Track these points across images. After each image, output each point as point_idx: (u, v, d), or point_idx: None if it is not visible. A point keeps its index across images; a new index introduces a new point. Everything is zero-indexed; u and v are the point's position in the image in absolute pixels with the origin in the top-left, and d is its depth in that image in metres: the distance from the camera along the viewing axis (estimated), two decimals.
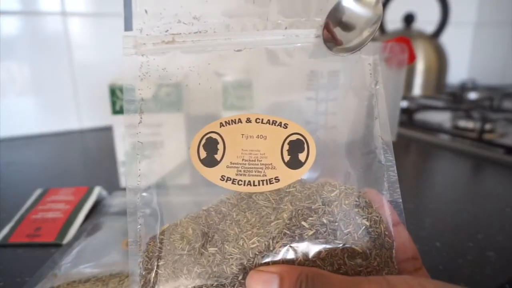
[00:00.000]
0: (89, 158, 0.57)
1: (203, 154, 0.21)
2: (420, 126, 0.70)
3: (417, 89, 0.78)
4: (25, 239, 0.32)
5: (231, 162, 0.21)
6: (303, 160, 0.20)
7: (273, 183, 0.20)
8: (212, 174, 0.21)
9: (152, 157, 0.29)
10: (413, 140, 0.66)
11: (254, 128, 0.21)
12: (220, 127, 0.22)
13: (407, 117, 0.74)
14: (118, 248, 0.28)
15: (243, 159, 0.20)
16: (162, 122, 0.43)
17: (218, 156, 0.21)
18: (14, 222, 0.35)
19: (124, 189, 0.43)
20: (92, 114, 0.72)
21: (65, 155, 0.58)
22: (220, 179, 0.20)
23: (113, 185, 0.44)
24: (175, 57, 0.23)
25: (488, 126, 0.64)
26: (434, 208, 0.39)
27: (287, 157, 0.20)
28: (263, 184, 0.20)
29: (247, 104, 0.45)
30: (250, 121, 0.21)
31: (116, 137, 0.43)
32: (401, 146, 0.63)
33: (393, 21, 0.86)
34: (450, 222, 0.36)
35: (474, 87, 1.00)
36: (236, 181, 0.20)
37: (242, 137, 0.21)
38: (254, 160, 0.20)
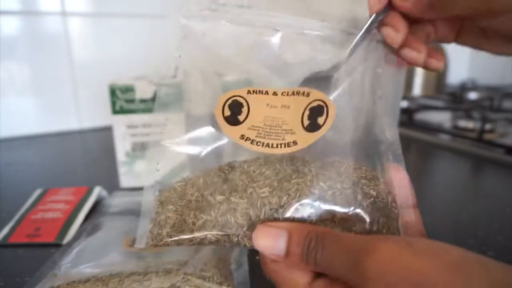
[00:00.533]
0: (89, 158, 0.57)
1: (227, 112, 0.22)
2: (420, 126, 0.70)
3: (417, 89, 0.78)
4: (25, 239, 0.32)
5: (253, 125, 0.21)
6: (321, 123, 0.20)
7: (291, 146, 0.20)
8: (233, 132, 0.21)
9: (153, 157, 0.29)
10: (413, 140, 0.66)
11: (279, 100, 0.22)
12: (247, 93, 0.23)
13: (407, 117, 0.74)
14: (118, 248, 0.27)
15: (264, 124, 0.21)
16: (163, 122, 0.43)
17: (241, 118, 0.22)
18: (14, 222, 0.35)
19: (124, 189, 0.43)
20: (92, 114, 0.72)
21: (65, 155, 0.58)
22: (240, 138, 0.21)
23: (113, 185, 0.44)
24: (215, 25, 0.23)
25: (488, 126, 0.64)
26: (434, 208, 0.39)
27: (306, 122, 0.21)
28: (281, 147, 0.20)
29: None
30: (276, 94, 0.22)
31: (116, 137, 0.43)
32: (401, 146, 0.63)
33: None
34: (450, 222, 0.36)
35: (474, 87, 1.00)
36: (255, 141, 0.21)
37: (267, 106, 0.22)
38: (275, 126, 0.21)
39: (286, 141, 0.20)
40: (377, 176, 0.21)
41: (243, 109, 0.22)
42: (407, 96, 0.78)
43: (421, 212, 0.37)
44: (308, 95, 0.22)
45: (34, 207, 0.37)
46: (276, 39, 0.25)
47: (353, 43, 0.24)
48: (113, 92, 0.41)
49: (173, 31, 0.81)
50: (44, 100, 0.68)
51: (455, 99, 0.88)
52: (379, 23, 0.24)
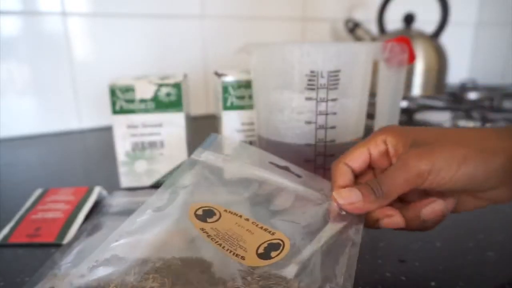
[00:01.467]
0: (89, 158, 0.57)
1: (200, 212, 0.25)
2: (420, 126, 0.70)
3: (417, 89, 0.78)
4: (25, 239, 0.32)
5: (216, 228, 0.24)
6: (273, 256, 0.23)
7: (238, 257, 0.22)
8: (197, 223, 0.24)
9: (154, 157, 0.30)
10: None
11: (248, 225, 0.25)
12: (224, 211, 0.26)
13: (407, 117, 0.74)
14: None
15: (226, 233, 0.24)
16: (163, 122, 0.43)
17: (210, 220, 0.25)
18: (14, 222, 0.35)
19: (124, 189, 0.43)
20: (92, 114, 0.72)
21: (65, 155, 0.58)
22: (200, 229, 0.24)
23: (113, 185, 0.44)
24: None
25: (488, 126, 0.64)
26: None
27: (261, 250, 0.23)
28: (229, 253, 0.22)
29: (247, 104, 0.45)
30: (247, 220, 0.25)
31: (116, 137, 0.43)
32: None
33: (393, 21, 0.86)
34: (450, 222, 0.36)
35: (474, 87, 1.00)
36: (211, 237, 0.23)
37: (235, 224, 0.25)
38: (235, 239, 0.24)
39: (236, 252, 0.23)
40: None
41: (214, 217, 0.25)
42: (407, 96, 0.78)
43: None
44: (273, 234, 0.24)
45: (34, 207, 0.37)
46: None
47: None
48: (113, 92, 0.41)
49: (173, 31, 0.81)
50: (44, 100, 0.68)
51: (455, 99, 0.88)
52: (371, 220, 0.27)
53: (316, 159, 0.35)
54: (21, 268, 0.29)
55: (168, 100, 0.43)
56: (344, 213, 0.26)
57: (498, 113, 0.75)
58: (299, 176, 0.30)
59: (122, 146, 0.43)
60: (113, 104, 0.42)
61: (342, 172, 0.28)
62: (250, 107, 0.45)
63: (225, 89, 0.44)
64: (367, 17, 0.93)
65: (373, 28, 0.88)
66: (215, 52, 0.81)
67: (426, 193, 0.27)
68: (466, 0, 1.15)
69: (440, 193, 0.27)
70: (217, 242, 0.23)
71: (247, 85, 0.44)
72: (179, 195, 0.27)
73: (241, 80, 0.44)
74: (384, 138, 0.27)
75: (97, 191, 0.40)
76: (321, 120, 0.34)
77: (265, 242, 0.23)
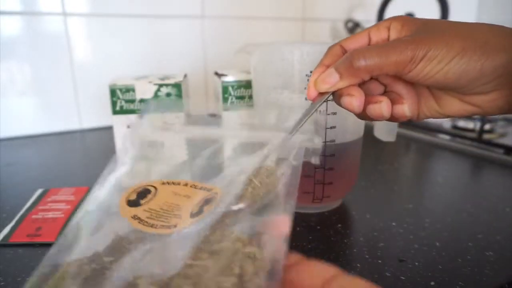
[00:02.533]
0: (89, 158, 0.57)
1: (133, 197, 0.25)
2: (420, 126, 0.70)
3: None
4: (25, 239, 0.32)
5: (149, 208, 0.24)
6: (205, 210, 0.22)
7: (170, 228, 0.22)
8: (128, 212, 0.23)
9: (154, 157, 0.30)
10: (413, 140, 0.66)
11: (186, 190, 0.25)
12: (161, 184, 0.26)
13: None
14: None
15: (161, 208, 0.23)
16: (163, 122, 0.43)
17: (142, 201, 0.24)
18: (14, 222, 0.35)
19: (124, 189, 0.43)
20: (92, 114, 0.72)
21: (65, 155, 0.58)
22: (131, 217, 0.23)
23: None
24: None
25: (487, 126, 0.64)
26: (434, 208, 0.39)
27: (195, 209, 0.23)
28: (162, 228, 0.22)
29: (247, 104, 0.45)
30: (186, 185, 0.25)
31: (116, 137, 0.43)
32: (401, 146, 0.63)
33: None
34: (450, 222, 0.36)
35: None
36: (142, 221, 0.23)
37: (173, 193, 0.25)
38: (169, 210, 0.23)
39: (169, 224, 0.22)
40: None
41: (148, 195, 0.25)
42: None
43: (420, 212, 0.37)
44: (210, 190, 0.24)
45: (35, 207, 0.38)
46: None
47: (294, 131, 0.27)
48: (113, 92, 0.41)
49: (173, 31, 0.81)
50: (44, 100, 0.68)
51: None
52: (337, 93, 0.26)
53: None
54: (22, 267, 0.29)
55: (169, 100, 0.43)
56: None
57: None
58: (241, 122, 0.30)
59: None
60: (113, 104, 0.42)
61: (333, 52, 0.27)
62: (250, 107, 0.45)
63: (225, 89, 0.44)
64: (367, 17, 0.93)
65: None
66: (215, 52, 0.81)
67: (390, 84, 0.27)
68: (466, 0, 1.15)
69: (415, 89, 0.27)
70: (148, 224, 0.22)
71: (247, 85, 0.44)
72: (112, 183, 0.26)
73: (241, 80, 0.44)
74: (388, 24, 0.26)
75: None
76: (321, 120, 0.34)
77: (200, 200, 0.23)
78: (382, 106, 0.26)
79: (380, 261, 0.30)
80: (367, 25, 0.88)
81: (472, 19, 1.18)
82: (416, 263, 0.29)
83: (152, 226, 0.22)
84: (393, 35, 0.26)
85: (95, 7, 0.68)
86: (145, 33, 0.73)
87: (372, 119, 0.27)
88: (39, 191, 0.41)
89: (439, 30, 0.24)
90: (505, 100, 0.24)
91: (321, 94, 0.27)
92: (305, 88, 0.34)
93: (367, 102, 0.26)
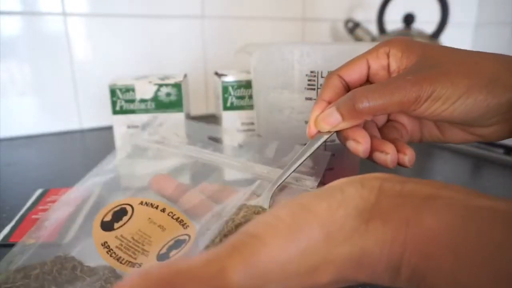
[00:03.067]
0: (89, 158, 0.57)
1: (108, 217, 0.23)
2: None
3: None
4: None
5: (122, 235, 0.22)
6: (171, 256, 0.20)
7: (134, 267, 0.20)
8: (100, 237, 0.22)
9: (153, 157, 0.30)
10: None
11: (162, 218, 0.23)
12: (139, 204, 0.24)
13: None
14: None
15: (132, 237, 0.22)
16: (163, 122, 0.43)
17: (117, 225, 0.22)
18: (14, 222, 0.35)
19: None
20: (92, 114, 0.72)
21: (65, 155, 0.58)
22: (101, 244, 0.21)
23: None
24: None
25: None
26: None
27: (163, 250, 0.21)
28: (126, 265, 0.20)
29: (247, 104, 0.45)
30: (164, 211, 0.23)
31: (116, 137, 0.43)
32: None
33: (393, 22, 0.86)
34: None
35: None
36: (111, 252, 0.21)
37: (148, 220, 0.23)
38: (139, 243, 0.21)
39: (135, 261, 0.20)
40: None
41: (124, 218, 0.23)
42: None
43: None
44: (186, 227, 0.22)
45: (35, 207, 0.38)
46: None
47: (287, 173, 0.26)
48: (113, 92, 0.41)
49: (173, 31, 0.81)
50: (44, 100, 0.68)
51: None
52: (341, 135, 0.26)
53: None
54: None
55: (168, 100, 0.43)
56: None
57: None
58: (240, 146, 0.30)
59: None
60: (113, 104, 0.42)
61: (332, 84, 0.26)
62: (250, 107, 0.45)
63: (225, 89, 0.44)
64: (367, 17, 0.93)
65: (373, 29, 0.88)
66: (215, 52, 0.81)
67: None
68: (466, 0, 1.15)
69: (419, 121, 0.27)
70: (116, 256, 0.21)
71: (247, 85, 0.44)
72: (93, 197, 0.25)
73: (241, 80, 0.44)
74: (387, 51, 0.25)
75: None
76: None
77: (172, 239, 0.22)
78: (388, 158, 0.25)
79: None
80: (367, 25, 0.88)
81: (472, 19, 1.18)
82: None
83: (118, 259, 0.21)
84: (393, 64, 0.25)
85: (95, 7, 0.68)
86: (145, 33, 0.73)
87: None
88: (39, 191, 0.41)
89: (443, 65, 0.23)
90: (508, 130, 0.24)
91: (320, 133, 0.26)
92: (305, 88, 0.34)
93: (373, 148, 0.25)
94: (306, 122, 0.34)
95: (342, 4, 0.94)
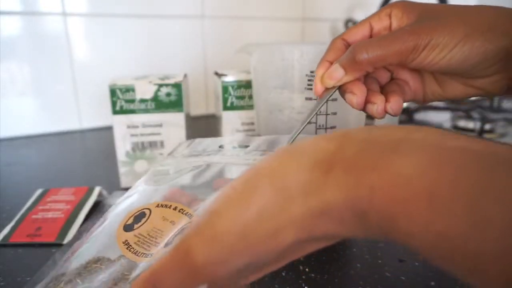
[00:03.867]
0: (89, 158, 0.57)
1: (130, 221, 0.26)
2: (420, 122, 0.70)
3: None
4: (25, 239, 0.32)
5: (139, 233, 0.24)
6: (174, 241, 0.23)
7: (147, 257, 0.23)
8: (122, 236, 0.24)
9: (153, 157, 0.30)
10: None
11: (174, 215, 0.25)
12: (156, 206, 0.26)
13: (407, 117, 0.74)
14: None
15: (148, 234, 0.24)
16: (163, 122, 0.43)
17: (136, 226, 0.25)
18: (14, 222, 0.35)
19: (124, 189, 0.43)
20: (92, 114, 0.72)
21: (65, 155, 0.58)
22: (123, 242, 0.24)
23: (113, 185, 0.44)
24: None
25: (488, 126, 0.64)
26: None
27: (171, 239, 0.23)
28: (142, 257, 0.23)
29: (247, 104, 0.45)
30: (175, 209, 0.26)
31: (116, 137, 0.43)
32: None
33: None
34: None
35: None
36: (130, 247, 0.24)
37: (162, 218, 0.25)
38: (153, 237, 0.24)
39: (149, 252, 0.23)
40: None
41: (143, 219, 0.26)
42: (413, 103, 0.78)
43: None
44: (191, 217, 0.24)
45: (35, 207, 0.38)
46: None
47: (300, 129, 0.28)
48: (113, 92, 0.41)
49: (173, 31, 0.81)
50: (44, 100, 0.68)
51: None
52: (341, 89, 0.27)
53: None
54: (22, 267, 0.29)
55: (168, 100, 0.43)
56: None
57: (497, 113, 0.75)
58: (246, 146, 0.31)
59: (122, 146, 0.43)
60: (113, 104, 0.42)
61: (335, 47, 0.27)
62: (250, 107, 0.45)
63: (225, 89, 0.44)
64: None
65: None
66: (215, 52, 0.81)
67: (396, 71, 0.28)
68: (466, 1, 1.15)
69: (419, 74, 0.27)
70: (134, 250, 0.24)
71: (247, 85, 0.44)
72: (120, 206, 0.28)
73: (241, 80, 0.44)
74: (389, 12, 0.26)
75: (97, 191, 0.40)
76: (321, 120, 0.34)
77: (177, 230, 0.24)
78: (374, 108, 0.26)
79: (380, 261, 0.30)
80: None
81: None
82: (416, 263, 0.29)
83: (135, 253, 0.23)
84: (395, 23, 0.26)
85: (95, 7, 0.68)
86: (145, 33, 0.73)
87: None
88: (39, 191, 0.41)
89: (442, 17, 0.24)
90: (507, 81, 0.25)
91: (327, 89, 0.27)
92: (305, 88, 0.34)
93: (367, 100, 0.27)
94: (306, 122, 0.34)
95: (342, 4, 0.94)
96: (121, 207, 0.27)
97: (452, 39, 0.23)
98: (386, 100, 0.27)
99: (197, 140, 0.34)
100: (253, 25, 0.84)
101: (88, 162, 0.55)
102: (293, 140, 0.28)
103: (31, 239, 0.32)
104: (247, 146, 0.31)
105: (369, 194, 0.13)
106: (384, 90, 0.28)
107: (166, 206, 0.26)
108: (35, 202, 0.39)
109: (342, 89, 0.27)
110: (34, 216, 0.36)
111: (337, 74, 0.26)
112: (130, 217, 0.26)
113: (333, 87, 0.27)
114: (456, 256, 0.12)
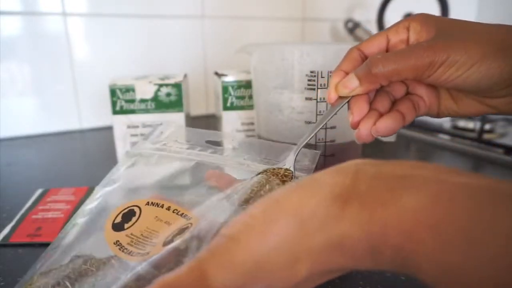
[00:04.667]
0: (89, 158, 0.57)
1: (119, 219, 0.25)
2: (420, 126, 0.70)
3: None
4: (25, 239, 0.32)
5: (131, 233, 0.24)
6: (174, 240, 0.22)
7: (143, 256, 0.22)
8: (112, 236, 0.24)
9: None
10: (413, 140, 0.66)
11: (168, 215, 0.24)
12: (146, 204, 0.25)
13: None
14: None
15: (141, 234, 0.24)
16: (163, 122, 0.43)
17: (127, 225, 0.24)
18: (14, 222, 0.35)
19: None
20: (92, 114, 0.72)
21: (65, 155, 0.58)
22: (114, 243, 0.23)
23: None
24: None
25: (487, 126, 0.64)
26: None
27: (169, 238, 0.23)
28: (137, 256, 0.22)
29: (247, 104, 0.45)
30: (168, 209, 0.25)
31: (116, 137, 0.43)
32: (401, 146, 0.63)
33: (393, 21, 0.86)
34: None
35: None
36: (123, 248, 0.23)
37: (155, 218, 0.24)
38: (148, 238, 0.23)
39: (144, 252, 0.22)
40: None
41: (133, 218, 0.25)
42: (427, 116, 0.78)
43: None
44: (189, 219, 0.24)
45: (35, 207, 0.38)
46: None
47: (303, 143, 0.28)
48: (113, 92, 0.41)
49: (173, 31, 0.81)
50: (44, 100, 0.68)
51: None
52: (348, 107, 0.28)
53: None
54: (22, 267, 0.29)
55: (168, 100, 0.43)
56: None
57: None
58: (234, 148, 0.31)
59: (122, 146, 0.43)
60: (113, 104, 0.42)
61: (351, 57, 0.28)
62: (250, 107, 0.45)
63: (225, 89, 0.44)
64: (367, 17, 0.93)
65: (373, 28, 0.88)
66: (215, 52, 0.81)
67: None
68: (466, 0, 1.15)
69: (435, 90, 0.27)
70: (127, 251, 0.23)
71: (247, 85, 0.44)
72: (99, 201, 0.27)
73: (241, 80, 0.44)
74: (408, 25, 0.27)
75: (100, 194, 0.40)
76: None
77: (175, 230, 0.23)
78: (356, 132, 0.28)
79: None
80: (367, 25, 0.88)
81: (471, 19, 1.18)
82: None
83: (129, 253, 0.22)
84: (413, 37, 0.26)
85: (95, 7, 0.68)
86: (145, 33, 0.73)
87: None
88: (39, 191, 0.41)
89: (460, 34, 0.24)
90: None
91: (340, 98, 0.28)
92: (305, 88, 0.34)
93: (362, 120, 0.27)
94: (306, 122, 0.34)
95: (342, 4, 0.94)
96: (103, 199, 0.26)
97: (470, 58, 0.23)
98: (379, 120, 0.27)
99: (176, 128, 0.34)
100: (253, 25, 0.84)
101: (88, 162, 0.55)
102: (303, 145, 0.28)
103: (31, 239, 0.32)
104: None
105: (380, 229, 0.14)
106: (394, 106, 0.28)
107: (157, 205, 0.25)
108: (35, 202, 0.39)
109: (348, 106, 0.28)
110: (34, 216, 0.36)
111: (352, 84, 0.26)
112: (118, 214, 0.25)
113: (346, 96, 0.27)
114: (460, 284, 0.13)
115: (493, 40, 0.23)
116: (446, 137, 0.65)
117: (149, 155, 0.31)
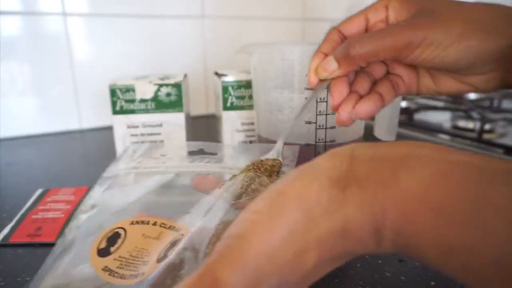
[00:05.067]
0: (89, 158, 0.57)
1: (103, 244, 0.24)
2: (420, 126, 0.70)
3: None
4: (25, 239, 0.32)
5: (119, 256, 0.23)
6: (168, 255, 0.21)
7: (138, 277, 0.21)
8: (99, 263, 0.23)
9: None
10: (413, 140, 0.66)
11: (155, 230, 0.24)
12: (130, 224, 0.25)
13: (407, 117, 0.74)
14: None
15: (130, 255, 0.23)
16: (163, 122, 0.43)
17: (113, 249, 0.23)
18: (14, 222, 0.35)
19: None
20: (92, 114, 0.72)
21: (65, 155, 0.58)
22: (102, 269, 0.22)
23: None
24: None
25: (487, 126, 0.64)
26: None
27: (162, 254, 0.22)
28: (130, 278, 0.21)
29: (247, 104, 0.45)
30: (155, 225, 0.24)
31: (116, 137, 0.43)
32: None
33: None
34: None
35: None
36: (113, 272, 0.22)
37: (142, 236, 0.24)
38: (138, 257, 0.22)
39: (138, 272, 0.21)
40: None
41: (118, 240, 0.24)
42: (407, 96, 0.78)
43: None
44: (179, 230, 0.23)
45: (35, 207, 0.38)
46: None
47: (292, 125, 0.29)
48: (113, 92, 0.41)
49: (173, 31, 0.81)
50: (44, 100, 0.68)
51: (455, 99, 0.88)
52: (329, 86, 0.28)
53: None
54: (22, 267, 0.29)
55: (168, 100, 0.43)
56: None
57: (497, 113, 0.75)
58: (213, 154, 0.31)
59: (122, 146, 0.43)
60: (113, 104, 0.42)
61: (330, 38, 0.28)
62: (250, 107, 0.45)
63: (225, 89, 0.44)
64: None
65: None
66: (215, 52, 0.81)
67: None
68: (466, 0, 1.15)
69: (414, 69, 0.27)
70: (119, 274, 0.22)
71: (247, 85, 0.44)
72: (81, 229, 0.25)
73: (241, 80, 0.44)
74: (387, 3, 0.26)
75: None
76: (321, 120, 0.34)
77: (167, 244, 0.22)
78: (338, 114, 0.27)
79: (380, 261, 0.30)
80: None
81: None
82: (416, 263, 0.29)
83: (121, 277, 0.21)
84: (392, 15, 0.26)
85: (95, 7, 0.68)
86: (145, 33, 0.73)
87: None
88: (39, 191, 0.41)
89: (438, 13, 0.24)
90: (500, 80, 0.25)
91: (321, 81, 0.27)
92: (305, 88, 0.34)
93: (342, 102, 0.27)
94: (306, 122, 0.34)
95: (342, 4, 0.94)
96: (87, 224, 0.25)
97: (448, 37, 0.23)
98: (359, 103, 0.27)
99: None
100: (253, 25, 0.84)
101: (88, 162, 0.55)
102: (288, 132, 0.28)
103: (31, 239, 0.32)
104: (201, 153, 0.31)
105: (382, 210, 0.14)
106: (375, 87, 0.28)
107: (143, 222, 0.24)
108: (35, 202, 0.39)
109: (329, 86, 0.28)
110: (34, 216, 0.36)
111: (331, 67, 0.26)
112: (102, 239, 0.24)
113: (326, 80, 0.27)
114: (465, 266, 0.13)
115: (472, 19, 0.23)
116: (446, 137, 0.65)
117: (125, 174, 0.30)
